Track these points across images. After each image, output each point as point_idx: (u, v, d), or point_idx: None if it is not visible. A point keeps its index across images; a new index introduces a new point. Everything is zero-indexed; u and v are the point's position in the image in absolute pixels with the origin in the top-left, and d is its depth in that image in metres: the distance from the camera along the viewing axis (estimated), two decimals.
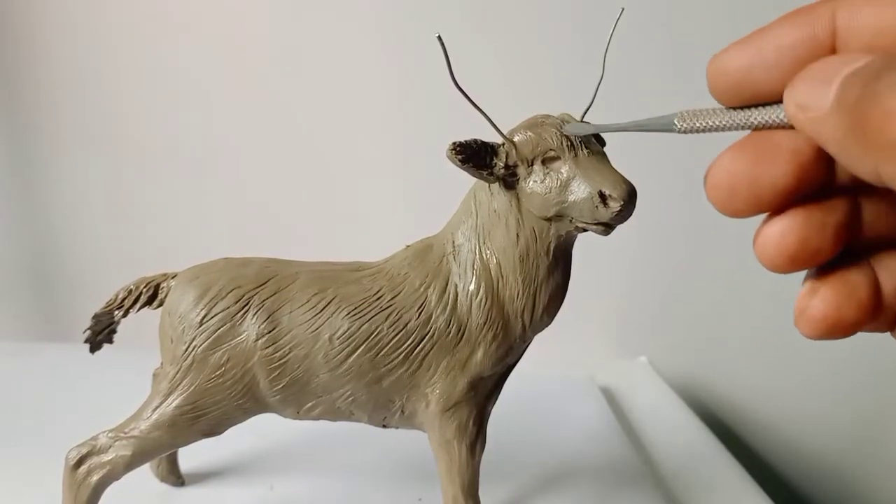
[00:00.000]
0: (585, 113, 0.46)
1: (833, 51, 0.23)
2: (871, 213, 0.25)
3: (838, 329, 0.25)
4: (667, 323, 1.10)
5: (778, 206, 0.24)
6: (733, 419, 1.11)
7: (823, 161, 0.24)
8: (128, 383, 0.60)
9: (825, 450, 1.10)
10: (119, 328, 0.55)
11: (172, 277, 0.52)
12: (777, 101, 0.24)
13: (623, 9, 0.44)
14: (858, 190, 0.25)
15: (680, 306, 1.08)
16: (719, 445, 0.79)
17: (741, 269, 1.05)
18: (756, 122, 0.25)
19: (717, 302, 1.07)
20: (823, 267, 0.26)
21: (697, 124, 0.26)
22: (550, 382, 0.86)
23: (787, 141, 0.24)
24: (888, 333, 0.26)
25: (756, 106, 0.25)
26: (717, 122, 0.26)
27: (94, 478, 0.48)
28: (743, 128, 0.25)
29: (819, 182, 0.24)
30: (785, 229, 0.24)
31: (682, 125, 0.27)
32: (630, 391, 0.93)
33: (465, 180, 0.46)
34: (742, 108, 0.25)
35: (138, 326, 0.58)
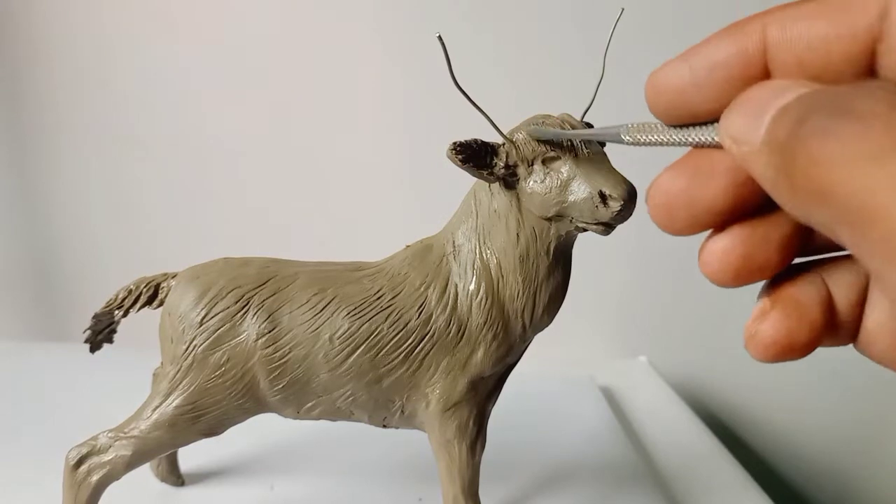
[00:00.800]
0: (585, 113, 0.46)
1: (764, 66, 0.23)
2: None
3: (791, 352, 0.24)
4: (667, 323, 1.10)
5: (717, 225, 0.24)
6: (733, 419, 1.11)
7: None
8: (128, 383, 0.61)
9: (825, 449, 1.10)
10: (119, 328, 0.55)
11: (172, 277, 0.52)
12: (713, 120, 0.24)
13: (623, 9, 0.44)
14: None
15: (680, 306, 1.08)
16: (719, 445, 0.79)
17: None
18: (694, 141, 0.25)
19: (717, 302, 1.07)
20: (774, 282, 0.25)
21: (641, 138, 0.26)
22: (550, 382, 0.86)
23: (723, 160, 0.23)
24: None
25: (694, 125, 0.25)
26: (659, 138, 0.26)
27: (95, 478, 0.48)
28: (683, 145, 0.25)
29: (758, 199, 0.24)
30: (727, 246, 0.24)
31: (628, 138, 0.26)
32: (630, 391, 0.93)
33: (466, 180, 0.46)
34: (681, 126, 0.25)
35: (138, 326, 0.58)
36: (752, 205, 0.24)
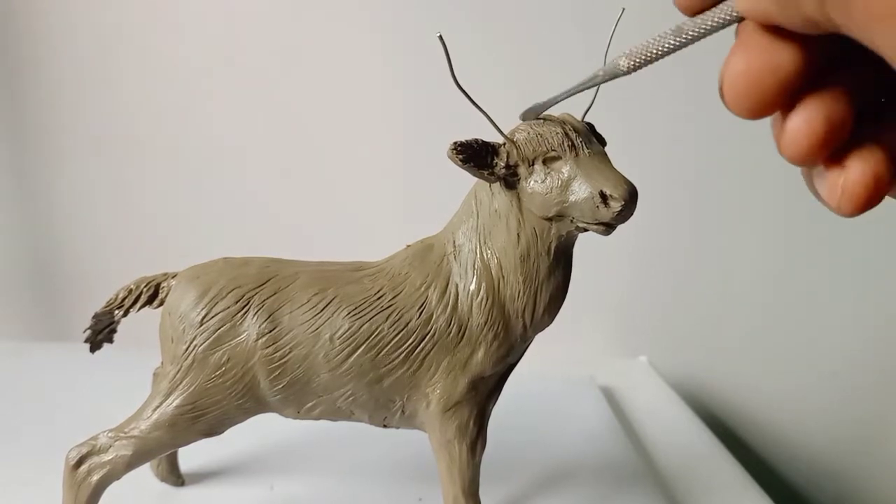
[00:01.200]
0: (586, 113, 0.46)
1: None
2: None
3: (881, 188, 0.25)
4: (667, 323, 1.10)
5: (801, 88, 0.24)
6: (733, 419, 1.11)
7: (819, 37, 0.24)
8: (128, 382, 0.61)
9: (825, 449, 1.10)
10: (119, 327, 0.55)
11: (173, 277, 0.52)
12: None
13: (623, 8, 0.44)
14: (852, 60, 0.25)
15: (680, 306, 1.08)
16: (719, 445, 0.79)
17: (741, 270, 1.05)
18: (711, 24, 0.25)
19: (717, 302, 1.07)
20: (834, 154, 0.26)
21: (645, 55, 0.27)
22: (551, 382, 0.86)
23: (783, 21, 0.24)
24: None
25: (705, 12, 0.25)
26: (667, 44, 0.26)
27: (95, 477, 0.48)
28: (695, 39, 0.26)
29: (825, 56, 0.24)
30: (811, 114, 0.24)
31: (628, 63, 0.27)
32: (630, 391, 0.93)
33: (466, 180, 0.46)
34: (693, 18, 0.26)
35: (139, 325, 0.58)
36: (821, 61, 0.24)
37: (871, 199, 0.25)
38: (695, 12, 0.26)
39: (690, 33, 0.26)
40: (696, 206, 1.02)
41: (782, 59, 0.23)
